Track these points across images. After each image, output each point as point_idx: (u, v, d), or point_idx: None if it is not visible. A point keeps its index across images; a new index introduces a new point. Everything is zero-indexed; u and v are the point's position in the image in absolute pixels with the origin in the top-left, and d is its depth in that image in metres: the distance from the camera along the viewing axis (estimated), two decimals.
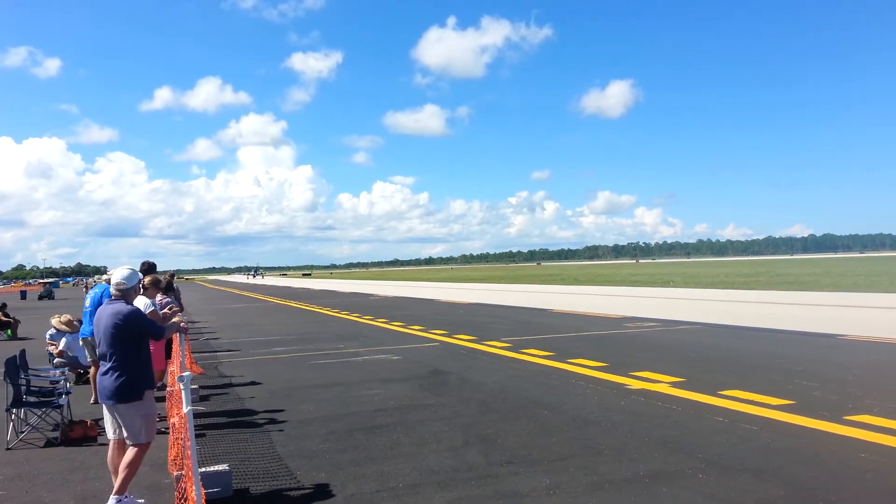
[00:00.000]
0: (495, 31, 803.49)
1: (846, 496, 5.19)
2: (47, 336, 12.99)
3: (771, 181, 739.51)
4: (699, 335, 15.94)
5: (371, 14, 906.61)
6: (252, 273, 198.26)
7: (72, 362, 11.52)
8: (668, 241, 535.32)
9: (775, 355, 12.34)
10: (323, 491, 5.72)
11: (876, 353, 12.40)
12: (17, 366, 8.19)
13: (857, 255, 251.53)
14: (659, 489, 5.44)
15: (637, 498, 5.29)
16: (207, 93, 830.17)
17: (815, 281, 42.60)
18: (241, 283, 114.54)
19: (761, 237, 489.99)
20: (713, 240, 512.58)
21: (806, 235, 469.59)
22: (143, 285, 7.76)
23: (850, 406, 8.01)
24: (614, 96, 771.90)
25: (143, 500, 5.54)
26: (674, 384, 9.76)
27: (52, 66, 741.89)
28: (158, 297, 8.99)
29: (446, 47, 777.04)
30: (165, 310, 8.83)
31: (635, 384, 9.87)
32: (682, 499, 5.23)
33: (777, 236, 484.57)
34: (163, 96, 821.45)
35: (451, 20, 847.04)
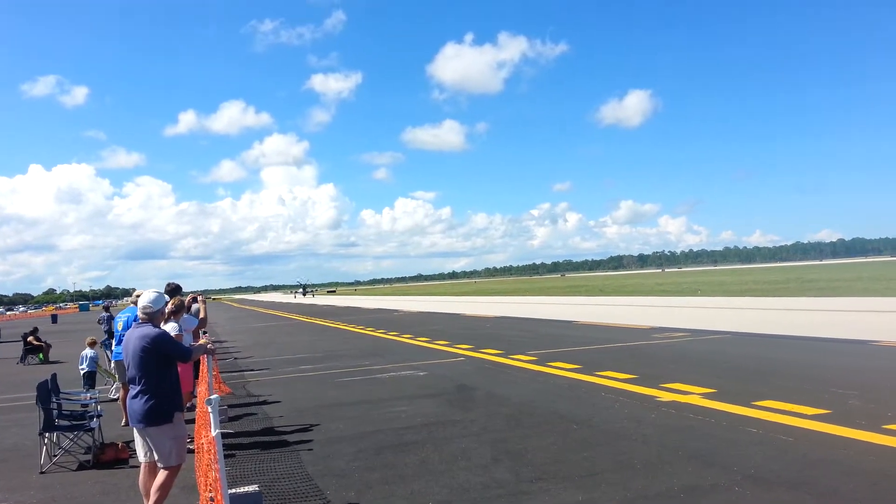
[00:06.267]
0: (512, 47, 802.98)
1: None
2: (87, 357, 13.10)
3: (796, 186, 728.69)
4: (729, 345, 15.69)
5: (388, 32, 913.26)
6: (300, 290, 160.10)
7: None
8: (694, 250, 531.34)
9: (809, 364, 12.10)
10: None
11: None
12: (48, 390, 8.30)
13: (889, 258, 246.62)
14: None
15: None
16: (230, 115, 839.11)
17: (847, 286, 41.83)
18: (274, 302, 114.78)
19: (789, 243, 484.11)
20: (740, 247, 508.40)
21: (835, 240, 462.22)
22: (168, 310, 7.81)
23: (888, 415, 7.80)
24: (632, 106, 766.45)
25: None
26: (705, 395, 9.60)
27: (80, 93, 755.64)
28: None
29: (463, 63, 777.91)
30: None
31: (666, 396, 9.72)
32: None
33: (805, 241, 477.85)
34: (187, 120, 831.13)
35: (469, 36, 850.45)
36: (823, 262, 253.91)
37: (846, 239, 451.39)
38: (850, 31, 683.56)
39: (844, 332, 16.42)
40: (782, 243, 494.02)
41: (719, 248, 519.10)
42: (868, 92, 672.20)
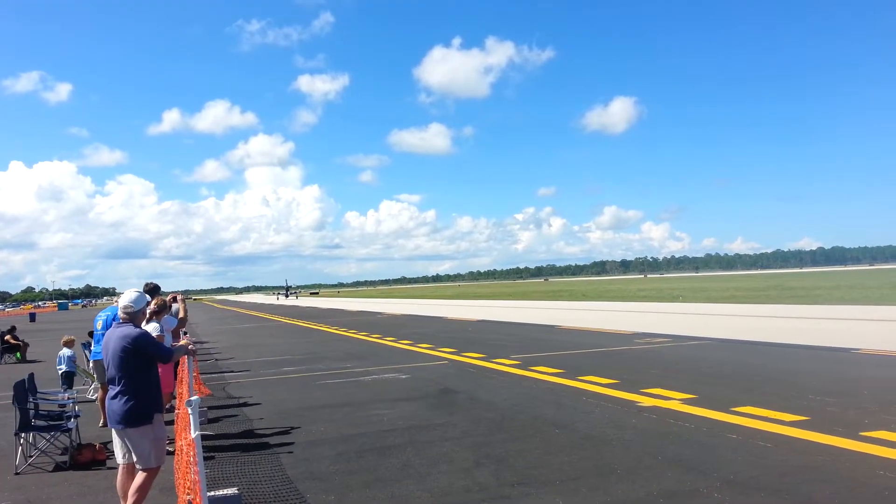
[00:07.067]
0: (499, 52, 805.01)
1: None
2: (65, 356, 12.94)
3: (778, 194, 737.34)
4: (710, 351, 15.81)
5: (376, 35, 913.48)
6: (283, 293, 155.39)
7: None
8: (676, 256, 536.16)
9: (788, 370, 12.21)
10: None
11: (891, 367, 12.25)
12: (25, 389, 8.18)
13: (867, 267, 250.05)
14: None
15: None
16: (215, 115, 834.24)
17: (826, 294, 42.31)
18: (257, 303, 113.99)
19: (770, 250, 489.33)
20: (721, 254, 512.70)
21: (815, 248, 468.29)
22: (150, 310, 7.74)
23: (866, 422, 7.89)
24: (617, 113, 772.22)
25: None
26: (686, 401, 9.65)
27: (63, 90, 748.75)
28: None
29: (451, 67, 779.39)
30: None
31: (647, 401, 9.77)
32: None
33: (786, 249, 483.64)
34: (171, 119, 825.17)
35: (456, 40, 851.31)
36: (803, 269, 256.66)
37: (826, 247, 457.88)
38: (833, 41, 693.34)
39: (824, 340, 16.60)
40: (763, 251, 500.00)
41: (701, 254, 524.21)
42: (851, 101, 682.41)
